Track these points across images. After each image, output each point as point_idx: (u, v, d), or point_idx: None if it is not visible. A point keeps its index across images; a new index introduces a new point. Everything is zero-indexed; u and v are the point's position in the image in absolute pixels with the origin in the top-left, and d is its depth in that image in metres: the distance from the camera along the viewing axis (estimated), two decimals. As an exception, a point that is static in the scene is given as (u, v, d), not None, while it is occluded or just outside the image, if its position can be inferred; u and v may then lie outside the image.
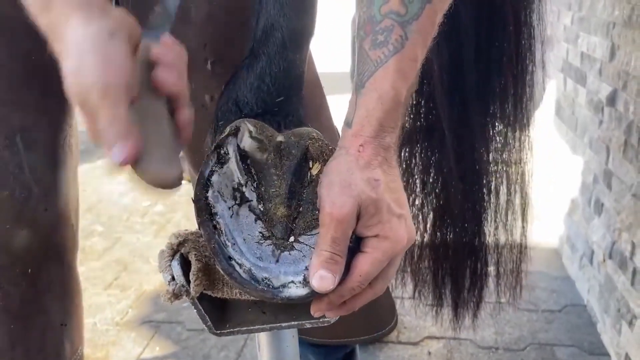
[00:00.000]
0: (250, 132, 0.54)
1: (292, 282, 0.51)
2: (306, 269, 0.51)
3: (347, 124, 0.53)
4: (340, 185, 0.49)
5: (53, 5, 0.45)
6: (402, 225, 0.50)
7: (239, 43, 0.71)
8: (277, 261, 0.52)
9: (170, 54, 0.50)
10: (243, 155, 0.54)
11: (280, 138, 0.55)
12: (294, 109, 0.63)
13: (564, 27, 1.96)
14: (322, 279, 0.47)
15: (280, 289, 0.50)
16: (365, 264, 0.49)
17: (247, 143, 0.54)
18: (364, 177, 0.49)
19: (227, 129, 0.55)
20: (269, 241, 0.53)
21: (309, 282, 0.50)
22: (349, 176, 0.49)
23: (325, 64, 1.99)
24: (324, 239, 0.48)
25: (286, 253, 0.53)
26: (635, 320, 1.36)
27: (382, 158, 0.51)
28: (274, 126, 0.58)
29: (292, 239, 0.53)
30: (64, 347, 0.82)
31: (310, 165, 0.55)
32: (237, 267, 0.50)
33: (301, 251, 0.53)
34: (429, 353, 1.55)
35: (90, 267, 1.99)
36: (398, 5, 0.51)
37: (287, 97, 0.63)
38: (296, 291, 0.50)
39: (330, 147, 0.55)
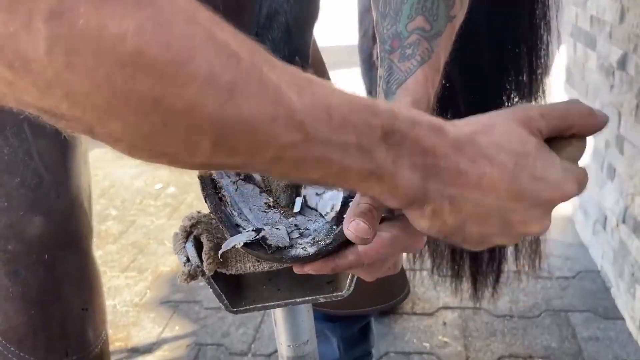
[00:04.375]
0: None
1: (299, 243, 0.51)
2: (315, 230, 0.52)
3: None
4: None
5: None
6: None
7: (237, 27, 0.71)
8: (284, 225, 0.53)
9: None
10: None
11: None
12: None
13: (573, -10, 1.93)
14: (359, 227, 0.45)
15: (288, 249, 0.51)
16: (381, 245, 0.49)
17: None
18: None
19: None
20: (274, 209, 0.55)
21: (317, 241, 0.50)
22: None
23: (327, 38, 1.98)
24: (363, 197, 0.47)
25: (292, 219, 0.54)
26: (649, 284, 1.36)
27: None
28: None
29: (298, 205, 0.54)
30: (86, 332, 0.84)
31: None
32: None
33: (307, 216, 0.54)
34: (444, 323, 1.56)
35: (106, 250, 2.02)
36: (424, 23, 0.56)
37: None
38: (304, 251, 0.50)
39: None
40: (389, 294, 1.21)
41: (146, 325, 1.64)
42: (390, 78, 0.56)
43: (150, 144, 0.35)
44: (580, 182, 0.45)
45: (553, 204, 0.44)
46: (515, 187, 0.42)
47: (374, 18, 0.61)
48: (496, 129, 0.43)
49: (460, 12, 0.59)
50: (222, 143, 0.36)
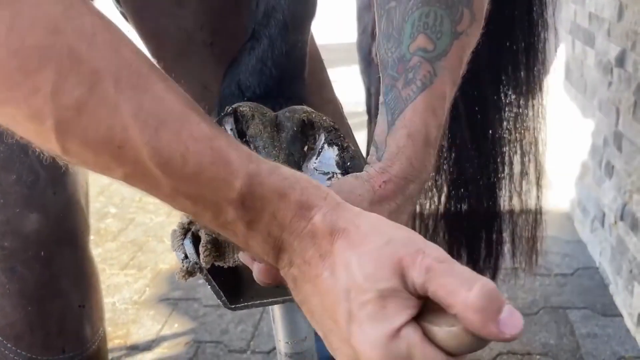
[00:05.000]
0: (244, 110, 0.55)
1: None
2: None
3: (378, 157, 0.50)
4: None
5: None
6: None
7: (235, 23, 0.71)
8: None
9: None
10: (241, 132, 0.55)
11: (275, 114, 0.56)
12: (296, 92, 0.63)
13: (571, -13, 1.93)
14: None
15: None
16: None
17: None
18: (370, 211, 0.45)
19: (225, 110, 0.56)
20: None
21: None
22: (355, 198, 0.47)
23: (326, 35, 1.98)
24: None
25: None
26: (647, 281, 1.36)
27: (395, 206, 0.48)
28: (277, 108, 0.58)
29: None
30: (83, 328, 0.84)
31: (307, 136, 0.55)
32: None
33: None
34: (443, 320, 1.57)
35: (106, 248, 2.02)
36: (425, 42, 0.50)
37: (289, 79, 0.63)
38: None
39: (324, 118, 0.56)
40: None
41: (145, 322, 1.65)
42: (395, 109, 0.50)
43: (13, 130, 0.37)
44: None
45: (358, 355, 0.37)
46: (337, 310, 0.37)
47: (377, 39, 0.55)
48: (362, 248, 0.37)
49: (471, 28, 0.51)
50: (71, 154, 0.36)
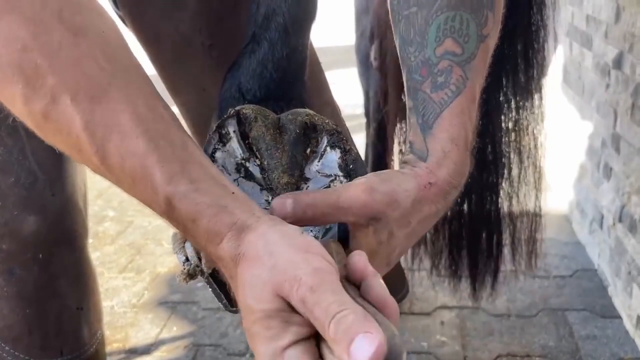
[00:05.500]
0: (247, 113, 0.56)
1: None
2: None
3: (420, 158, 0.50)
4: (387, 187, 0.47)
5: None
6: (383, 274, 0.48)
7: (233, 26, 0.72)
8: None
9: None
10: (244, 134, 0.55)
11: (277, 116, 0.57)
12: (297, 94, 0.63)
13: (569, -10, 1.93)
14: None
15: None
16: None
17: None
18: (408, 210, 0.47)
19: (227, 112, 0.56)
20: None
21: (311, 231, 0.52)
22: (401, 194, 0.47)
23: (324, 38, 1.98)
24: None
25: None
26: (646, 282, 1.37)
27: (434, 209, 0.49)
28: (278, 111, 0.59)
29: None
30: (81, 331, 0.84)
31: (310, 139, 0.56)
32: None
33: None
34: (442, 323, 1.57)
35: (104, 251, 2.02)
36: (454, 46, 0.50)
37: (290, 82, 0.63)
38: None
39: (327, 121, 0.56)
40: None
41: (144, 326, 1.64)
42: (425, 111, 0.50)
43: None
44: None
45: None
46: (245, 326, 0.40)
47: (396, 44, 0.54)
48: (253, 270, 0.39)
49: (493, 30, 0.52)
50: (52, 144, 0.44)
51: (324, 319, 0.35)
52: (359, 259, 0.41)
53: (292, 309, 0.37)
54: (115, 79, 0.42)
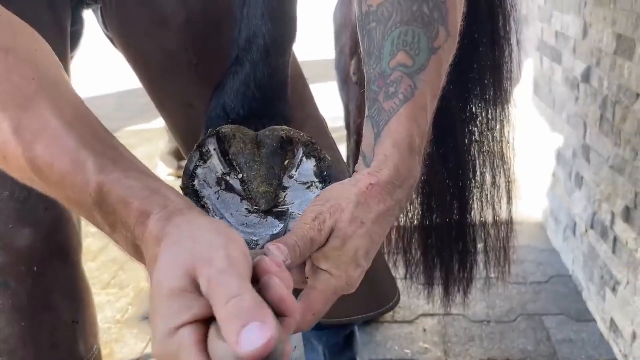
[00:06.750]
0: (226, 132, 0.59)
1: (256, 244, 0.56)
2: (273, 235, 0.56)
3: (366, 163, 0.54)
4: (330, 203, 0.51)
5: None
6: (357, 275, 0.51)
7: (217, 45, 0.75)
8: (264, 224, 0.58)
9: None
10: (224, 152, 0.59)
11: (255, 133, 0.61)
12: (279, 111, 0.67)
13: (538, 6, 2.01)
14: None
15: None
16: (318, 302, 0.51)
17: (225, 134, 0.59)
18: (354, 212, 0.50)
19: (208, 132, 0.60)
20: (254, 214, 0.59)
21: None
22: (343, 202, 0.51)
23: (307, 52, 2.02)
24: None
25: (271, 217, 0.58)
26: (617, 286, 1.42)
27: (383, 207, 0.52)
28: (260, 128, 0.63)
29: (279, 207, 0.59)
30: (77, 344, 0.84)
31: (287, 151, 0.60)
32: None
33: (286, 213, 0.58)
34: (424, 330, 1.60)
35: (87, 267, 2.00)
36: (405, 58, 0.53)
37: (272, 100, 0.67)
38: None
39: (302, 134, 0.60)
40: (378, 302, 1.24)
41: (129, 341, 1.64)
42: (378, 120, 0.54)
43: None
44: None
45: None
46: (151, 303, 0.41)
47: (361, 57, 0.58)
48: (171, 249, 0.40)
49: (446, 43, 0.55)
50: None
51: (222, 298, 0.35)
52: (265, 257, 0.42)
53: (197, 291, 0.38)
54: (44, 90, 0.45)
